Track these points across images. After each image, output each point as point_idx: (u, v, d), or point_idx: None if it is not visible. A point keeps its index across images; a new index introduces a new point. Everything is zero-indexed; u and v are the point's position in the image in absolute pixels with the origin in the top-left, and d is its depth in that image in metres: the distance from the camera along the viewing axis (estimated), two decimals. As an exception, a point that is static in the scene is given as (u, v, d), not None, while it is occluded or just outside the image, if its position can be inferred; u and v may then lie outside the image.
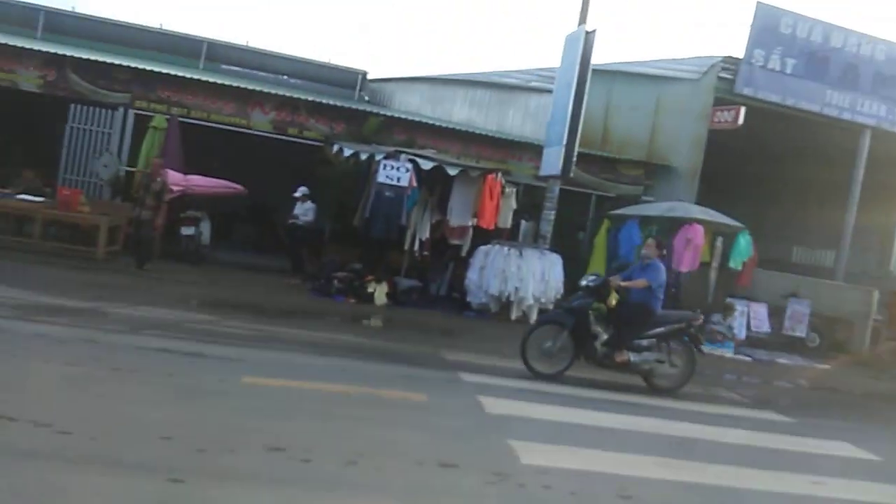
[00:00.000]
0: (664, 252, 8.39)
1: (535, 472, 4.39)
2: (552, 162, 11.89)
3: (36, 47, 12.93)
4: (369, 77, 17.96)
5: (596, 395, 7.06)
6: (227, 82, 13.70)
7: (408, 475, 4.07)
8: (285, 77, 16.60)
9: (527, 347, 7.43)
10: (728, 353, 11.67)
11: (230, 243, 15.37)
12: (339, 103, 14.25)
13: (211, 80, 13.64)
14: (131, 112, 13.16)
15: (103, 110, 13.01)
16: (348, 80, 17.00)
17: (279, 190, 14.42)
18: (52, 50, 12.93)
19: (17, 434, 3.77)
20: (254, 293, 10.30)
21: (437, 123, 14.74)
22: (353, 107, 14.46)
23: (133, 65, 13.19)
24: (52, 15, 15.00)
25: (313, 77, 16.54)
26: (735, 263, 12.69)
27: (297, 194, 12.48)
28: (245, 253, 14.86)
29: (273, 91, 13.98)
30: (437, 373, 7.01)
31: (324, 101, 14.05)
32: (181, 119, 12.86)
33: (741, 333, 12.46)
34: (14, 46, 12.75)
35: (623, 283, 7.79)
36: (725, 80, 14.28)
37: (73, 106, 12.93)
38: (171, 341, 6.47)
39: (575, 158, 11.64)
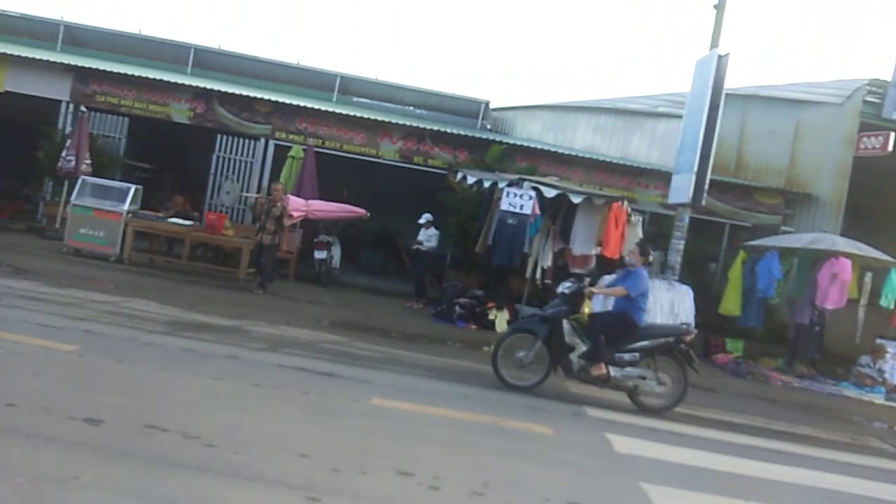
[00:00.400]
0: (650, 259, 7.82)
1: (671, 518, 4.17)
2: (682, 189, 11.46)
3: (187, 82, 14.09)
4: (492, 106, 18.17)
5: (735, 439, 6.64)
6: (358, 114, 14.31)
7: (536, 511, 3.98)
8: (412, 108, 17.13)
9: (498, 357, 7.08)
10: (878, 399, 10.68)
11: (358, 267, 15.94)
12: (462, 132, 14.50)
13: (344, 112, 14.31)
14: (272, 142, 14.06)
15: (246, 140, 13.97)
16: (471, 109, 17.26)
17: (404, 216, 14.83)
18: (202, 84, 14.04)
19: (168, 444, 4.03)
20: (380, 316, 10.57)
21: (560, 150, 14.64)
22: (476, 135, 14.65)
23: (274, 98, 14.08)
24: (201, 52, 16.30)
25: (438, 107, 16.94)
26: (887, 302, 11.59)
27: (421, 221, 12.74)
28: (371, 276, 15.33)
29: (400, 121, 14.45)
30: (561, 405, 6.86)
31: (448, 130, 14.35)
32: (316, 149, 13.54)
33: (893, 377, 11.38)
34: (168, 82, 13.96)
35: (596, 290, 7.49)
36: (872, 104, 13.25)
37: (219, 136, 13.97)
38: (307, 360, 6.75)
39: (707, 186, 11.16)
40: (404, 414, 5.55)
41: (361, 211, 13.24)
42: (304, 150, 13.46)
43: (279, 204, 11.04)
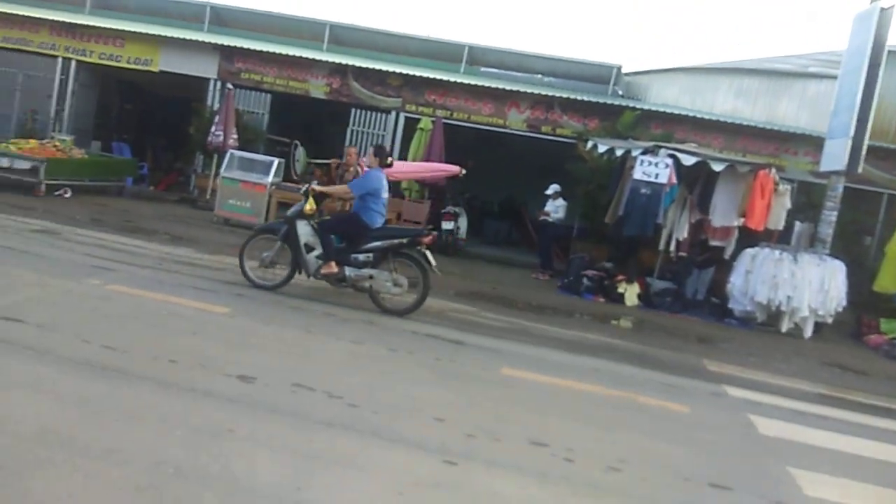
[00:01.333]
0: (389, 161, 7.61)
1: (824, 508, 3.90)
2: (836, 156, 10.56)
3: (324, 58, 14.59)
4: (624, 71, 17.45)
5: (890, 425, 6.09)
6: (485, 84, 14.24)
7: (676, 491, 3.85)
8: (540, 76, 16.79)
9: (244, 256, 7.31)
10: None
11: (483, 238, 16.03)
12: (592, 99, 14.07)
13: (471, 82, 14.28)
14: (402, 115, 14.33)
15: (378, 114, 14.32)
16: (602, 75, 16.66)
17: (530, 187, 14.70)
18: (337, 60, 14.50)
19: (314, 403, 4.24)
20: (506, 287, 10.58)
21: (699, 115, 13.86)
22: (608, 102, 14.16)
23: (404, 71, 14.29)
24: (337, 28, 16.78)
25: (567, 74, 16.49)
26: None
27: (548, 191, 12.55)
28: (497, 247, 15.36)
29: (528, 90, 14.23)
30: (699, 383, 6.57)
31: (577, 97, 13.97)
32: (444, 121, 13.64)
33: None
34: (306, 58, 14.52)
35: (319, 188, 7.50)
36: None
37: (353, 110, 14.42)
38: (437, 328, 6.88)
39: (864, 152, 10.22)
40: (535, 385, 5.53)
41: (454, 168, 12.74)
42: (432, 122, 13.61)
43: (352, 168, 10.33)
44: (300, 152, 14.27)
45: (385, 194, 7.38)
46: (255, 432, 3.67)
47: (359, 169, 10.10)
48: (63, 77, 15.37)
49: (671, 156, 10.17)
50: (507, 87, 14.18)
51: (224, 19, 17.14)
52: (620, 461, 4.08)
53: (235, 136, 13.51)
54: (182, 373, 4.38)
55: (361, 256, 7.14)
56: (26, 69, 15.51)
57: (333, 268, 7.07)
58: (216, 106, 14.39)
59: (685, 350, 8.14)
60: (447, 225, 12.89)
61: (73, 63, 15.33)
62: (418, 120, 13.98)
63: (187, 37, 14.76)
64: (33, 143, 12.50)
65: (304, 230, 7.26)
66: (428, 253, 7.13)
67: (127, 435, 3.38)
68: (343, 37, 16.83)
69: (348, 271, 7.09)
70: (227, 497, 2.96)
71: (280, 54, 14.51)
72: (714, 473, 4.16)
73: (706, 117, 13.71)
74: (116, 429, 3.43)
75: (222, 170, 12.26)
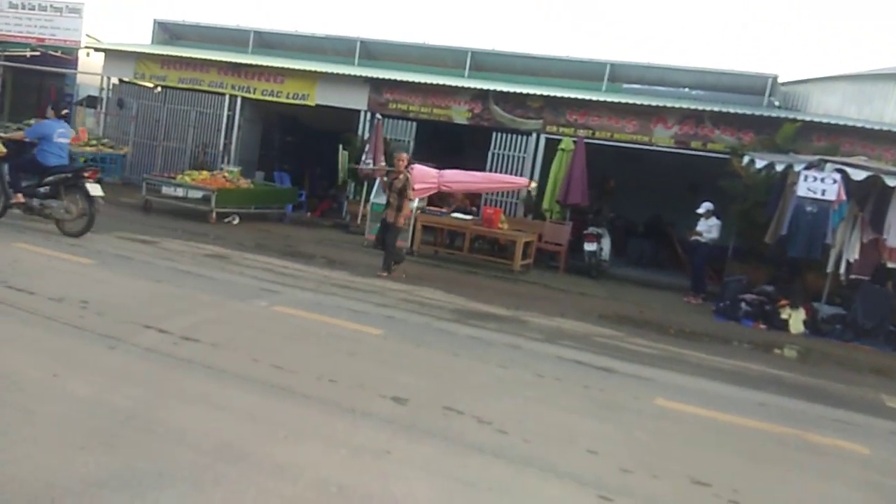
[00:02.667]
0: (64, 113, 10.42)
1: None
2: None
3: (466, 84, 14.91)
4: (780, 80, 16.37)
5: None
6: (628, 101, 13.90)
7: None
8: (687, 90, 16.14)
9: None
10: None
11: (627, 259, 15.57)
12: (746, 111, 13.30)
13: (613, 100, 14.01)
14: (543, 136, 14.31)
15: (519, 136, 14.40)
16: (756, 85, 15.72)
17: (677, 206, 14.11)
18: (479, 86, 14.76)
19: (465, 427, 4.28)
20: (654, 311, 10.18)
21: (867, 125, 12.68)
22: (763, 114, 13.32)
23: (544, 93, 14.28)
24: (478, 54, 17.11)
25: (717, 86, 15.72)
26: None
27: (700, 210, 11.96)
28: (642, 269, 14.85)
29: (675, 105, 13.71)
30: (878, 421, 5.95)
31: (730, 109, 13.27)
32: (586, 140, 13.45)
33: None
34: (449, 85, 14.91)
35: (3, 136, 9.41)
36: None
37: (494, 134, 14.59)
38: (584, 354, 6.75)
39: None
40: (693, 418, 5.25)
41: (522, 181, 12.24)
42: (573, 142, 13.46)
43: (401, 176, 9.99)
44: (343, 156, 14.63)
45: (59, 139, 9.23)
46: (410, 454, 3.76)
47: (408, 174, 10.10)
48: (230, 113, 16.82)
49: (839, 170, 9.38)
50: (652, 103, 13.74)
51: (373, 53, 18.02)
52: (793, 506, 3.77)
53: (384, 164, 14.08)
54: (342, 392, 4.59)
55: (42, 189, 9.10)
56: (198, 107, 17.14)
57: (21, 198, 9.02)
58: (366, 135, 15.11)
59: (860, 383, 7.41)
60: (590, 246, 12.64)
61: (239, 100, 16.74)
62: (559, 141, 13.88)
63: (340, 71, 15.67)
64: (205, 174, 13.74)
65: (2, 171, 9.20)
66: (89, 184, 8.97)
67: (295, 452, 3.58)
68: (484, 62, 17.13)
69: (34, 202, 9.05)
70: (388, 519, 3.04)
71: (424, 83, 15.01)
72: (905, 526, 3.73)
73: (876, 127, 12.51)
74: (286, 446, 3.65)
75: (372, 196, 12.81)
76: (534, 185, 12.14)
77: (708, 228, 11.81)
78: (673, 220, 15.55)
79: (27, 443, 3.28)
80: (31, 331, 5.02)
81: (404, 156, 10.48)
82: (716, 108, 13.33)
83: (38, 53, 19.16)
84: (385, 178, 10.49)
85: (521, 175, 14.28)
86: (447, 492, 3.38)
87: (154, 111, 17.50)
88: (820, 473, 4.45)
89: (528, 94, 14.34)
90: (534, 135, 14.38)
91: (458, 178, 11.97)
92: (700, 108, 13.48)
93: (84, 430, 3.51)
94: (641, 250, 16.22)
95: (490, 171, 14.60)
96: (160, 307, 6.22)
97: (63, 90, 19.07)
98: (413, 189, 10.27)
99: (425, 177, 11.15)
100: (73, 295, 6.06)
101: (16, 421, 3.49)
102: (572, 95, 14.09)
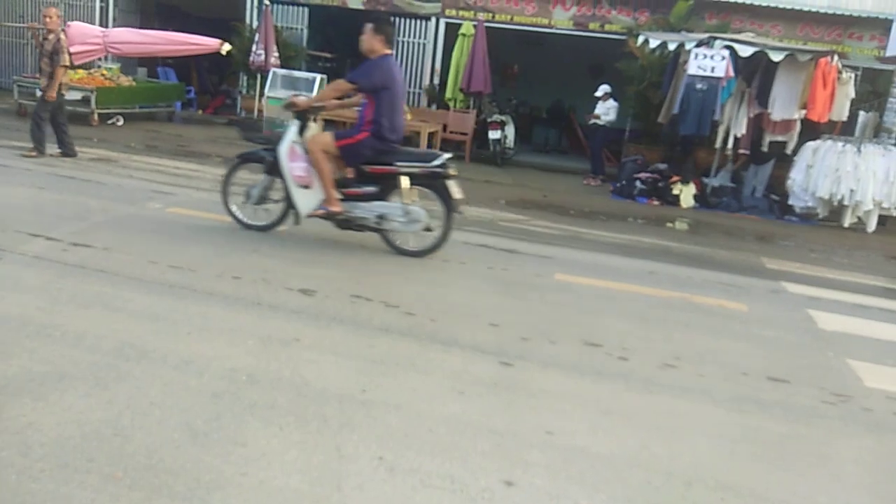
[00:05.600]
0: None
1: (885, 398, 3.89)
2: (907, 38, 9.87)
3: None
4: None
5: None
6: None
7: (732, 385, 3.88)
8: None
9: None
10: None
11: (532, 146, 15.78)
12: (643, -9, 13.36)
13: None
14: (443, 21, 13.91)
15: (418, 21, 13.94)
16: (653, -36, 15.76)
17: (579, 90, 14.26)
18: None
19: (373, 312, 4.38)
20: (557, 194, 10.49)
21: (756, 2, 13.02)
22: (659, -7, 13.41)
23: (442, -27, 13.76)
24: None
25: (615, -34, 15.64)
26: None
27: (598, 93, 12.17)
28: (546, 155, 15.13)
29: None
30: (758, 281, 6.49)
31: (626, -10, 13.29)
32: (486, 24, 13.19)
33: None
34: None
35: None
36: None
37: (393, 19, 14.02)
38: (489, 238, 6.93)
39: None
40: (589, 289, 5.56)
41: (211, 42, 10.89)
42: (474, 26, 13.19)
43: (51, 36, 8.27)
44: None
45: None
46: (319, 340, 3.83)
47: (61, 35, 8.43)
48: (103, 4, 15.36)
49: (727, 47, 9.68)
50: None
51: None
52: (676, 358, 4.13)
53: (276, 55, 13.39)
54: (246, 287, 4.56)
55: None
56: (67, -1, 15.55)
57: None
58: (255, 24, 14.22)
59: (743, 249, 8.01)
60: (494, 134, 12.71)
61: (112, -13, 15.27)
62: (460, 25, 13.55)
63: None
64: (81, 73, 12.66)
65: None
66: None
67: (200, 347, 3.57)
68: (379, -58, 16.22)
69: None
70: (300, 400, 3.12)
71: (313, -35, 14.13)
72: (772, 368, 4.17)
73: (764, 4, 12.87)
74: (190, 342, 3.63)
75: (266, 89, 12.25)
76: (227, 46, 10.48)
77: (605, 111, 12.06)
78: (575, 105, 15.76)
79: None
80: None
81: (53, 11, 8.51)
82: (612, -12, 13.29)
83: None
84: (37, 41, 8.63)
85: (422, 64, 13.95)
86: (356, 370, 3.48)
87: (16, 4, 15.74)
88: (704, 329, 4.85)
89: (424, -24, 13.80)
90: (433, 19, 13.97)
91: (129, 39, 10.40)
92: (598, -12, 13.40)
93: (-30, 342, 3.36)
94: (545, 137, 16.47)
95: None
96: (46, 215, 5.86)
97: None
98: (68, 52, 8.51)
99: (85, 37, 9.49)
100: (-58, 206, 5.62)
101: None
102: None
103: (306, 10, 14.54)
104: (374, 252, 5.92)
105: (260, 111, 13.08)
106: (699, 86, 9.66)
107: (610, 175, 12.27)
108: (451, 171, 5.61)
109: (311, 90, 11.93)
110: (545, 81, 16.22)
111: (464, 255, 6.16)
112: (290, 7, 14.53)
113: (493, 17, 13.68)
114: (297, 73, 12.56)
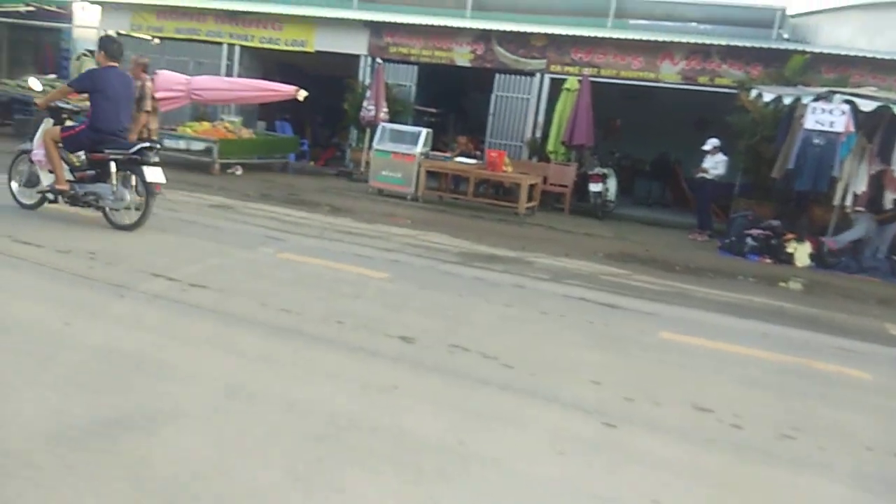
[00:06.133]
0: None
1: None
2: None
3: (467, 25, 14.61)
4: (789, 13, 15.96)
5: None
6: (634, 37, 13.61)
7: (855, 460, 3.56)
8: (695, 24, 15.75)
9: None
10: None
11: (634, 199, 15.51)
12: (755, 44, 13.02)
13: (619, 36, 13.71)
14: (547, 76, 14.09)
15: (523, 77, 14.18)
16: (765, 18, 15.30)
17: (685, 143, 13.95)
18: (481, 26, 14.47)
19: (471, 363, 4.36)
20: (660, 249, 10.20)
21: (878, 56, 12.41)
22: (772, 46, 13.03)
23: (547, 31, 14.00)
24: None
25: (726, 20, 15.31)
26: None
27: (706, 147, 11.85)
28: (649, 209, 14.81)
29: (682, 40, 13.43)
30: (881, 348, 6.01)
31: (738, 43, 12.99)
32: (592, 79, 13.23)
33: None
34: (451, 27, 14.61)
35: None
36: None
37: (497, 75, 14.38)
38: (589, 291, 6.79)
39: None
40: (697, 349, 5.31)
41: (287, 89, 11.00)
42: (578, 81, 13.25)
43: (137, 83, 8.60)
44: (83, 63, 13.28)
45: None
46: (418, 389, 3.84)
47: (147, 82, 9.13)
48: (229, 62, 16.61)
49: (847, 101, 9.23)
50: (658, 39, 13.45)
51: (371, -5, 17.63)
52: (794, 429, 3.84)
53: (386, 110, 13.96)
54: (349, 333, 4.66)
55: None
56: (197, 57, 16.90)
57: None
58: (367, 81, 14.91)
59: (864, 313, 7.46)
60: (595, 187, 12.60)
61: (238, 48, 16.51)
62: (564, 80, 13.66)
63: (339, 16, 15.37)
64: (206, 125, 13.66)
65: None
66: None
67: (305, 390, 3.66)
68: (486, 2, 16.71)
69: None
70: (398, 448, 3.13)
71: (425, 25, 14.72)
72: (904, 445, 3.80)
73: (886, 57, 12.24)
74: (295, 384, 3.73)
75: (374, 142, 12.74)
76: (303, 93, 10.78)
77: (714, 165, 11.72)
78: (680, 158, 15.42)
79: (45, 387, 3.37)
80: (42, 282, 5.09)
81: (141, 59, 9.41)
82: (723, 42, 13.05)
83: (32, 9, 18.84)
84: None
85: (525, 118, 14.12)
86: (454, 421, 3.46)
87: (153, 63, 17.26)
88: (823, 398, 4.51)
89: (531, 34, 14.08)
90: (538, 75, 14.18)
91: (211, 85, 10.87)
92: (708, 42, 13.20)
93: (97, 375, 3.59)
94: (648, 190, 16.16)
95: (493, 114, 14.43)
96: (167, 256, 6.27)
97: (59, 45, 18.80)
98: (154, 98, 9.21)
99: (170, 84, 9.97)
100: (81, 247, 6.12)
101: (33, 368, 3.58)
102: (577, 33, 13.81)
103: (415, 67, 15.12)
104: (473, 302, 5.94)
105: (367, 163, 13.59)
106: (816, 140, 9.23)
107: (717, 230, 11.84)
108: (151, 159, 6.79)
109: (417, 143, 12.30)
110: (649, 134, 15.99)
111: (563, 308, 6.07)
112: (401, 65, 15.16)
113: (599, 72, 13.73)
114: (403, 127, 13.00)
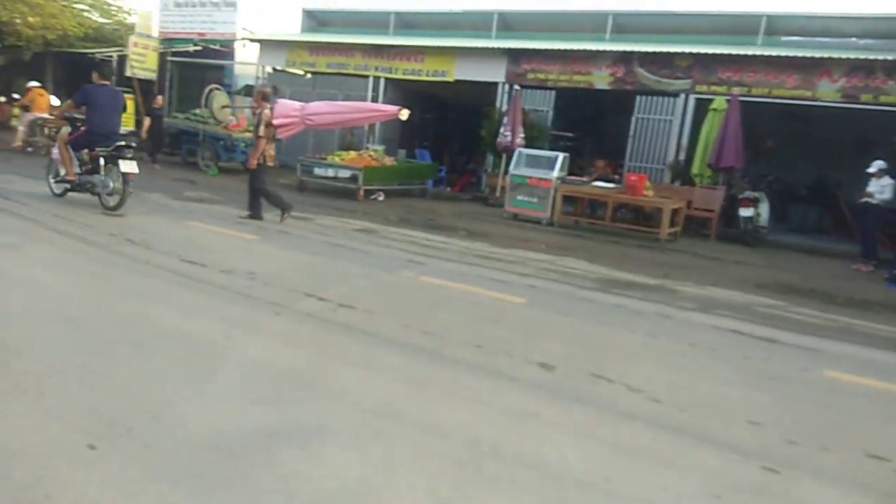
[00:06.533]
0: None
1: None
2: None
3: (607, 48, 14.41)
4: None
5: None
6: (789, 53, 12.82)
7: None
8: (855, 39, 14.61)
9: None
10: None
11: (788, 225, 14.50)
12: (929, 57, 11.86)
13: (772, 54, 12.98)
14: (692, 97, 13.57)
15: (665, 98, 13.75)
16: (938, 28, 13.94)
17: (845, 166, 12.89)
18: (621, 48, 14.22)
19: (615, 394, 4.20)
20: (819, 279, 9.42)
21: None
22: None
23: (693, 51, 13.51)
24: (619, 16, 16.45)
25: (889, 34, 14.08)
26: None
27: (871, 169, 10.86)
28: (804, 235, 13.77)
29: (842, 56, 12.47)
30: None
31: (908, 57, 11.89)
32: (741, 98, 12.60)
33: None
34: (590, 50, 14.48)
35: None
36: None
37: (638, 97, 14.03)
38: (742, 323, 6.38)
39: None
40: (866, 390, 4.82)
41: (391, 109, 11.02)
42: (727, 101, 12.65)
43: (258, 111, 9.53)
44: (214, 97, 14.95)
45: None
46: (560, 419, 3.75)
47: (265, 110, 9.46)
48: (374, 94, 17.41)
49: None
50: (816, 55, 12.58)
51: (511, 24, 17.88)
52: None
53: (522, 135, 14.03)
54: (488, 357, 4.66)
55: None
56: (345, 90, 17.88)
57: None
58: (504, 108, 15.07)
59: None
60: (746, 212, 11.92)
61: (382, 80, 17.27)
62: (710, 101, 13.09)
63: (478, 45, 15.71)
64: (353, 154, 14.36)
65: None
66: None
67: (446, 412, 3.69)
68: (626, 24, 16.45)
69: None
70: (540, 480, 3.06)
71: (563, 50, 14.69)
72: None
73: None
74: (437, 406, 3.77)
75: (511, 167, 12.80)
76: (405, 112, 10.82)
77: (880, 189, 10.71)
78: (840, 181, 14.24)
79: (210, 397, 3.62)
80: (206, 299, 5.52)
81: (264, 89, 10.07)
82: (889, 58, 11.97)
83: (199, 48, 20.78)
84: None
85: (668, 140, 13.68)
86: (599, 456, 3.34)
87: (305, 96, 18.43)
88: None
89: (675, 54, 13.66)
90: (682, 96, 13.70)
91: (321, 110, 11.03)
92: (871, 57, 12.17)
93: (255, 387, 3.82)
94: (804, 215, 15.04)
95: (633, 136, 14.08)
96: (318, 277, 6.61)
97: (222, 81, 20.55)
98: (270, 125, 9.55)
99: (287, 111, 10.25)
100: (241, 267, 6.58)
101: (201, 378, 3.86)
102: (725, 51, 13.23)
103: (553, 93, 15.10)
104: (614, 331, 5.75)
105: (503, 188, 13.67)
106: None
107: (884, 260, 10.76)
108: (127, 154, 8.58)
109: (553, 168, 12.24)
110: (805, 156, 14.93)
111: (714, 340, 5.73)
112: (538, 90, 15.20)
113: (749, 91, 13.03)
114: (539, 152, 12.98)
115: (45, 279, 5.63)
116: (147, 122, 15.54)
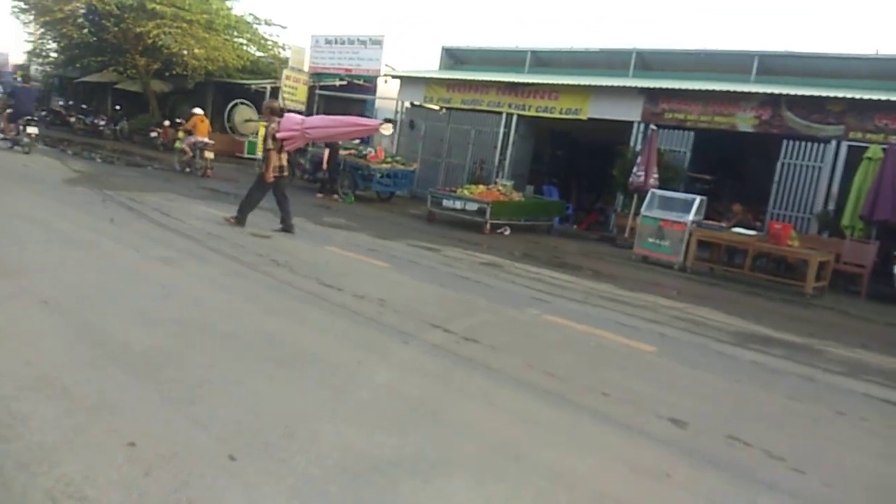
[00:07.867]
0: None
1: None
2: None
3: (753, 90, 13.81)
4: None
5: None
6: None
7: None
8: None
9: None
10: None
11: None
12: None
13: (942, 99, 11.94)
14: (844, 144, 12.72)
15: (815, 144, 12.97)
16: None
17: None
18: (768, 90, 13.58)
19: (753, 460, 3.94)
20: None
21: None
22: None
23: (847, 95, 12.68)
24: (766, 57, 15.73)
25: None
26: None
27: None
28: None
29: None
30: None
31: None
32: (904, 147, 11.64)
33: None
34: (734, 92, 13.94)
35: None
36: None
37: (785, 142, 13.31)
38: (895, 392, 5.83)
39: None
40: None
41: (373, 123, 10.96)
42: (883, 149, 11.74)
43: (264, 124, 10.33)
44: (237, 111, 15.78)
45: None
46: (692, 482, 3.57)
47: (272, 123, 10.07)
48: (506, 130, 17.64)
49: None
50: None
51: (649, 63, 17.59)
52: None
53: (656, 176, 13.67)
54: (615, 407, 4.53)
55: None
56: (478, 126, 18.25)
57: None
58: (638, 147, 14.77)
59: None
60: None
61: (515, 117, 17.48)
62: (865, 149, 12.18)
63: (614, 84, 15.54)
64: (481, 188, 14.56)
65: None
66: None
67: (570, 460, 3.61)
68: (774, 66, 15.72)
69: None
70: (669, 543, 2.92)
71: (705, 91, 14.24)
72: None
73: None
74: (560, 452, 3.70)
75: (643, 208, 12.48)
76: (388, 127, 10.94)
77: None
78: None
79: (341, 419, 3.76)
80: (340, 321, 5.76)
81: (273, 104, 10.76)
82: None
83: (345, 82, 21.99)
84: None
85: (816, 188, 12.87)
86: (734, 525, 3.14)
87: (439, 131, 19.03)
88: None
89: (828, 98, 12.86)
90: (833, 142, 12.85)
91: (317, 124, 11.12)
92: None
93: (382, 413, 3.92)
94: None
95: (779, 182, 13.36)
96: (444, 308, 6.72)
97: (363, 114, 21.59)
98: (276, 138, 10.00)
99: (291, 125, 10.43)
100: (373, 293, 6.82)
101: (332, 399, 4.03)
102: (884, 97, 12.31)
103: (692, 133, 14.64)
104: (751, 390, 5.42)
105: (632, 228, 13.34)
106: None
107: None
108: (33, 123, 15.94)
109: (689, 211, 11.82)
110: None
111: (863, 409, 5.25)
112: (675, 130, 14.79)
113: (912, 139, 12.03)
114: (675, 194, 12.58)
115: (199, 293, 6.10)
116: (327, 153, 16.16)
